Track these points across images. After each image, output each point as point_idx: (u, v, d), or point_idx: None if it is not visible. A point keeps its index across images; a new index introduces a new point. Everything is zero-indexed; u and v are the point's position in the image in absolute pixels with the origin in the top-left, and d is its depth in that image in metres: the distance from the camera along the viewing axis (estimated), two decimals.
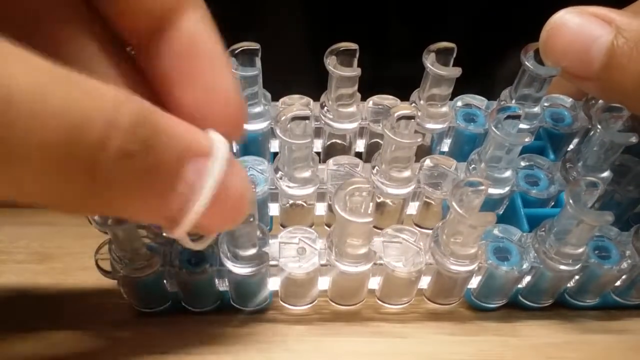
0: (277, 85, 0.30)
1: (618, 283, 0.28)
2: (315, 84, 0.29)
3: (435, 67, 0.27)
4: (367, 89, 0.29)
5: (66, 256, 0.30)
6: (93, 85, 0.15)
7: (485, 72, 0.37)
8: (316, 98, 0.29)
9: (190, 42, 0.20)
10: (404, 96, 0.30)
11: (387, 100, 0.30)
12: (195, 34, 0.20)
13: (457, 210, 0.23)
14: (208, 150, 0.18)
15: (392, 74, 0.35)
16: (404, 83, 0.29)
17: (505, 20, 0.38)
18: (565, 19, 0.25)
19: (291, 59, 0.40)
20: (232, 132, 0.20)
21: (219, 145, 0.18)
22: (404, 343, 0.27)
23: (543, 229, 0.26)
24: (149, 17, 0.19)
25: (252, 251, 0.24)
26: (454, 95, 0.30)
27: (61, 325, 0.27)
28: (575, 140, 0.30)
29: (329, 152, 0.31)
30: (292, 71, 0.36)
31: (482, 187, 0.23)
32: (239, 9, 0.38)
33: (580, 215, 0.23)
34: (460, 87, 0.30)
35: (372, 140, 0.31)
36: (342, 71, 0.26)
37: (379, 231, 0.26)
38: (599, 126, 0.26)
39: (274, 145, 0.30)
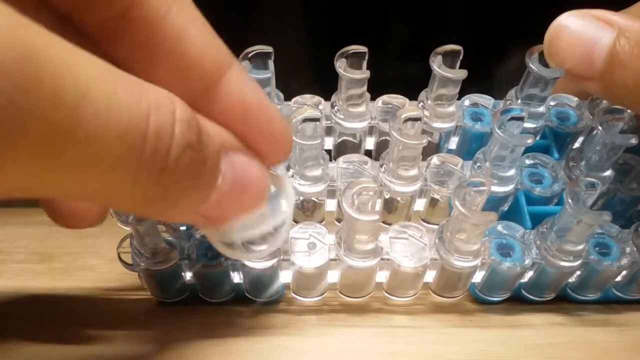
0: (290, 85, 0.31)
1: (619, 278, 0.29)
2: (326, 84, 0.30)
3: (442, 69, 0.28)
4: (375, 87, 0.30)
5: (66, 256, 0.31)
6: (147, 85, 0.16)
7: (490, 71, 0.38)
8: (327, 97, 0.30)
9: (241, 100, 0.20)
10: (412, 95, 0.31)
11: (396, 99, 0.31)
12: (244, 91, 0.20)
13: (460, 209, 0.24)
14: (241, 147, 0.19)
15: (399, 73, 0.36)
16: (411, 82, 0.30)
17: (510, 20, 0.39)
18: (568, 21, 0.26)
19: (303, 60, 0.41)
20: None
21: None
22: (410, 335, 0.28)
23: (545, 227, 0.27)
24: (202, 78, 0.19)
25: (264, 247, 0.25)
26: (460, 93, 0.31)
27: (61, 324, 0.28)
28: (580, 139, 0.31)
29: (340, 150, 0.32)
30: (304, 71, 0.37)
31: (484, 188, 0.24)
32: (251, 13, 0.39)
33: (579, 214, 0.24)
34: (466, 86, 0.31)
35: (382, 139, 0.32)
36: (351, 74, 0.27)
37: (387, 227, 0.28)
38: (600, 127, 0.26)
39: None
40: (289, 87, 0.31)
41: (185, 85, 0.18)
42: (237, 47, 0.27)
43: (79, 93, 0.13)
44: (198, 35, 0.18)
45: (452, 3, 0.41)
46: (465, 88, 0.30)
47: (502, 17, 0.40)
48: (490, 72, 0.37)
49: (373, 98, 0.30)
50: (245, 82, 0.20)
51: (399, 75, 0.36)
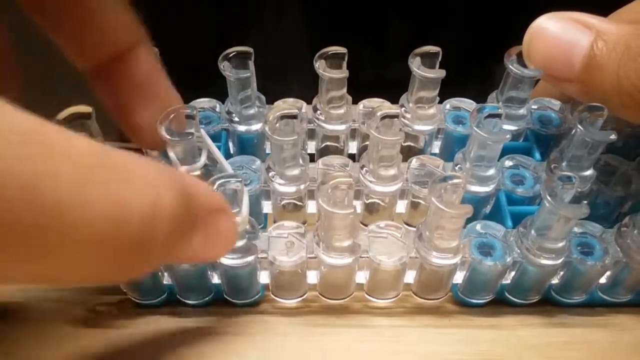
0: (276, 87, 0.31)
1: (603, 280, 0.28)
2: (314, 87, 0.30)
3: (421, 70, 0.28)
4: (364, 90, 0.30)
5: None
6: (132, 170, 0.16)
7: (480, 75, 0.38)
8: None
9: (149, 72, 0.25)
10: (403, 94, 0.31)
11: (377, 103, 0.31)
12: (152, 65, 0.26)
13: (436, 203, 0.24)
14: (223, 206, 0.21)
15: (389, 76, 0.36)
16: (401, 84, 0.30)
17: (500, 24, 0.39)
18: (547, 24, 0.26)
19: (290, 62, 0.41)
20: None
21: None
22: (395, 338, 0.28)
23: (525, 225, 0.26)
24: (111, 50, 0.24)
25: (240, 243, 0.25)
26: (447, 97, 0.31)
27: (61, 324, 0.28)
28: (563, 142, 0.31)
29: (323, 154, 0.32)
30: (290, 74, 0.37)
31: (459, 181, 0.24)
32: (239, 13, 0.40)
33: (556, 209, 0.24)
34: (455, 91, 0.31)
35: (364, 143, 0.32)
36: (330, 74, 0.28)
37: (366, 227, 0.27)
38: (579, 126, 0.26)
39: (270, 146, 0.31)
40: (276, 90, 0.31)
41: (100, 46, 0.24)
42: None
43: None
44: (115, 9, 0.24)
45: (442, 7, 0.42)
46: (454, 93, 0.31)
47: (492, 22, 0.40)
48: (479, 77, 0.37)
49: (361, 100, 0.31)
50: (151, 57, 0.26)
51: (388, 77, 0.36)
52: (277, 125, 0.26)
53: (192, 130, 0.25)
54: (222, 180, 0.23)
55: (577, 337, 0.28)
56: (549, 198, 0.24)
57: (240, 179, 0.24)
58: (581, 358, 0.27)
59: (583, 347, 0.28)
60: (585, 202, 0.23)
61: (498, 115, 0.26)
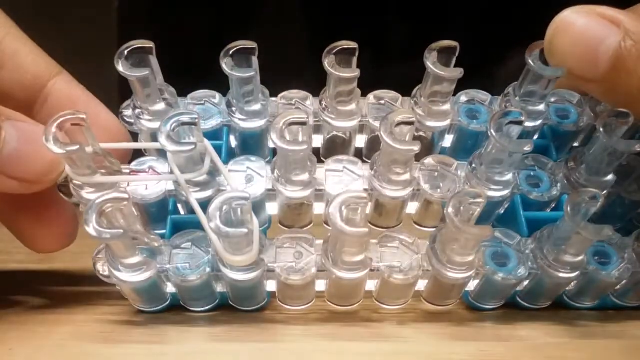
0: (278, 80, 0.29)
1: (618, 286, 0.28)
2: (316, 79, 0.28)
3: (436, 67, 0.26)
4: (368, 86, 0.29)
5: (66, 256, 0.30)
6: None
7: (488, 68, 0.36)
8: (317, 93, 0.29)
9: (68, 95, 0.27)
10: (406, 94, 0.29)
11: (388, 95, 0.29)
12: (73, 88, 0.28)
13: (455, 222, 0.22)
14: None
15: (394, 72, 0.35)
16: (406, 81, 0.29)
17: (510, 16, 0.37)
18: (572, 18, 0.24)
19: (293, 54, 0.39)
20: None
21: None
22: (402, 343, 0.27)
23: (542, 236, 0.25)
24: (36, 80, 0.27)
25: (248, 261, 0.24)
26: (456, 90, 0.29)
27: (61, 325, 0.27)
28: (581, 137, 0.30)
29: (329, 147, 0.30)
30: (293, 66, 0.36)
31: (480, 200, 0.23)
32: (242, 5, 0.38)
33: (578, 229, 0.23)
34: (463, 83, 0.29)
35: (372, 135, 0.30)
36: (340, 72, 0.26)
37: (377, 229, 0.26)
38: (602, 130, 0.25)
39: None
40: (278, 82, 0.29)
41: (23, 86, 0.27)
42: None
43: None
44: (28, 52, 0.27)
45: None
46: (461, 85, 0.29)
47: (502, 13, 0.38)
48: (487, 69, 0.35)
49: (365, 95, 0.29)
50: (72, 84, 0.28)
51: (393, 73, 0.34)
52: (285, 130, 0.24)
53: (195, 140, 0.24)
54: (231, 197, 0.22)
55: (577, 337, 0.28)
56: (570, 214, 0.23)
57: (248, 196, 0.22)
58: (581, 358, 0.27)
59: (583, 347, 0.27)
60: (611, 226, 0.22)
61: (519, 122, 0.25)
